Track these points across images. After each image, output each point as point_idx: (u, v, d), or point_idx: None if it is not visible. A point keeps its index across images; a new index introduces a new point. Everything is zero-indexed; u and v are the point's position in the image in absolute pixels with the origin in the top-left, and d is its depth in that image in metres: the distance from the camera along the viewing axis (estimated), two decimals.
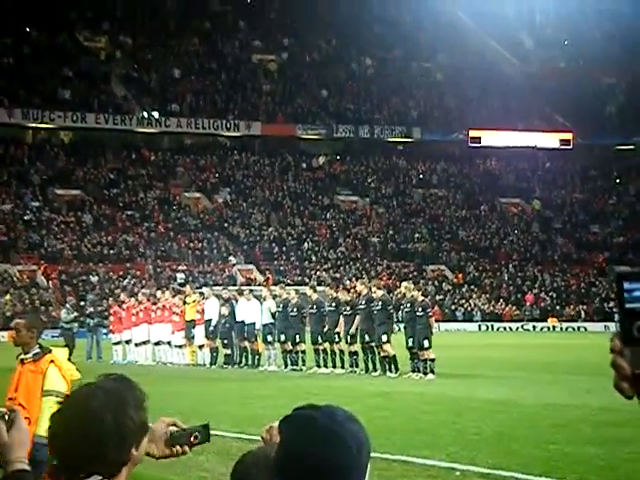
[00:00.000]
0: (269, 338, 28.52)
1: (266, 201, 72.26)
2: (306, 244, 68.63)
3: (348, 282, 42.17)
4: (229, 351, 29.61)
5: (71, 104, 71.34)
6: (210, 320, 30.11)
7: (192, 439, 2.98)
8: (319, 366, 27.01)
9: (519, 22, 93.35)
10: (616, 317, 1.77)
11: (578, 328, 64.62)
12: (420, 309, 24.27)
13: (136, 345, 33.01)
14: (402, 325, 25.75)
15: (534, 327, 64.91)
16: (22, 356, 7.49)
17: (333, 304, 26.95)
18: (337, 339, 26.70)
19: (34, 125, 71.05)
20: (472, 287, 69.12)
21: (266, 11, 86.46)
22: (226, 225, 68.94)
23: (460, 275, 69.89)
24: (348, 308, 26.11)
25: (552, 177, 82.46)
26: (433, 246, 71.87)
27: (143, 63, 78.13)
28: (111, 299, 39.37)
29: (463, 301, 67.52)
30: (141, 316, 32.66)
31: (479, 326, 64.81)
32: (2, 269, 59.90)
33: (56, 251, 62.20)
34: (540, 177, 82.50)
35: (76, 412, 2.67)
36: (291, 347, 27.72)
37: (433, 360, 24.27)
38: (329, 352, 27.01)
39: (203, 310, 30.59)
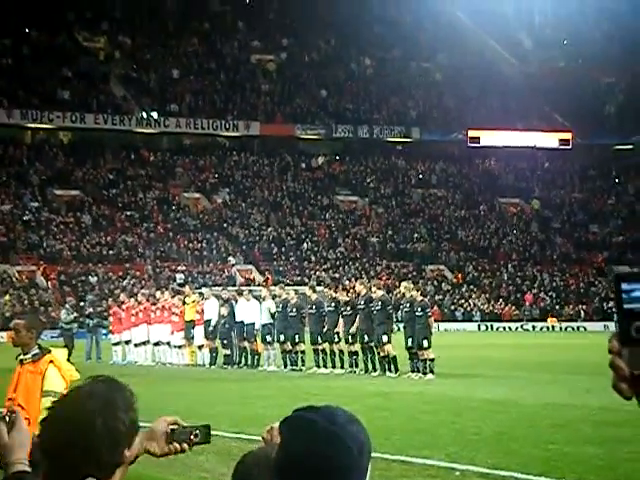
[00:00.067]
0: (268, 338, 28.52)
1: (265, 201, 72.27)
2: (305, 244, 68.63)
3: (347, 282, 42.18)
4: (228, 351, 29.61)
5: (70, 104, 71.34)
6: (209, 320, 30.11)
7: (192, 437, 2.97)
8: (318, 366, 27.02)
9: (518, 22, 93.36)
10: (615, 317, 1.77)
11: (577, 328, 64.65)
12: (419, 309, 24.27)
13: (135, 345, 33.01)
14: (401, 325, 25.76)
15: (533, 327, 64.92)
16: (21, 357, 7.49)
17: (332, 304, 26.97)
18: (336, 339, 26.72)
19: (33, 125, 71.04)
20: (471, 287, 69.14)
21: (265, 11, 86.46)
22: (225, 225, 68.94)
23: (459, 275, 69.91)
24: (348, 308, 26.12)
25: (551, 177, 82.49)
26: (432, 246, 71.88)
27: (142, 63, 78.12)
28: (110, 299, 39.40)
29: (462, 301, 67.54)
30: (140, 316, 32.66)
31: (478, 326, 64.82)
32: (1, 269, 59.89)
33: (55, 251, 62.20)
34: (539, 177, 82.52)
35: (66, 418, 2.64)
36: (290, 347, 27.73)
37: (432, 360, 24.27)
38: (328, 352, 27.01)
39: (202, 310, 30.61)
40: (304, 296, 29.67)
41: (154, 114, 73.50)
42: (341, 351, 26.82)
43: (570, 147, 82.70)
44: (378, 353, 25.28)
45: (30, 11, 74.36)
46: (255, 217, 70.30)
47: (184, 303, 31.51)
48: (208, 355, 30.48)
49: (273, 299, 29.17)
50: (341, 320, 26.34)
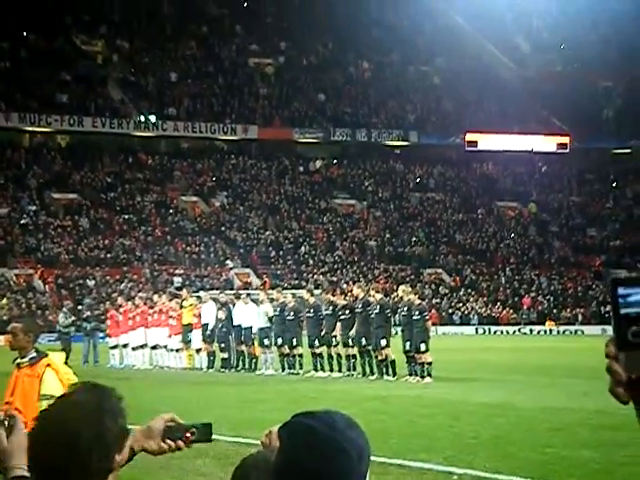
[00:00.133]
0: (266, 342, 28.50)
1: (263, 205, 72.27)
2: (303, 248, 68.63)
3: (345, 286, 42.17)
4: (226, 355, 29.60)
5: (68, 108, 71.34)
6: (207, 324, 30.10)
7: (188, 434, 2.92)
8: (316, 370, 27.02)
9: (516, 26, 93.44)
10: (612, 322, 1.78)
11: (575, 331, 64.68)
12: (417, 312, 24.27)
13: (133, 349, 32.99)
14: (399, 328, 25.76)
15: (531, 330, 64.92)
16: (18, 360, 7.48)
17: (330, 308, 26.97)
18: (334, 343, 26.71)
19: (31, 129, 71.03)
20: (469, 290, 69.15)
21: (263, 15, 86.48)
22: (223, 229, 68.94)
23: (457, 278, 69.94)
24: (346, 312, 26.11)
25: (549, 181, 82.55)
26: (430, 249, 71.91)
27: (140, 67, 78.13)
28: (108, 303, 39.44)
29: (460, 304, 67.56)
30: (138, 320, 32.64)
31: (476, 329, 64.82)
32: None
33: (53, 255, 62.18)
34: (537, 181, 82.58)
35: (54, 431, 2.61)
36: (288, 351, 27.72)
37: (430, 364, 24.27)
38: (326, 356, 27.01)
39: (200, 314, 30.60)
40: (302, 300, 29.67)
41: (152, 117, 73.50)
42: (339, 355, 26.80)
43: (568, 151, 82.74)
44: (376, 357, 25.29)
45: (28, 15, 74.36)
46: (253, 221, 70.31)
47: (182, 307, 31.50)
48: (206, 359, 30.47)
49: (271, 302, 29.15)
50: (339, 324, 26.33)
